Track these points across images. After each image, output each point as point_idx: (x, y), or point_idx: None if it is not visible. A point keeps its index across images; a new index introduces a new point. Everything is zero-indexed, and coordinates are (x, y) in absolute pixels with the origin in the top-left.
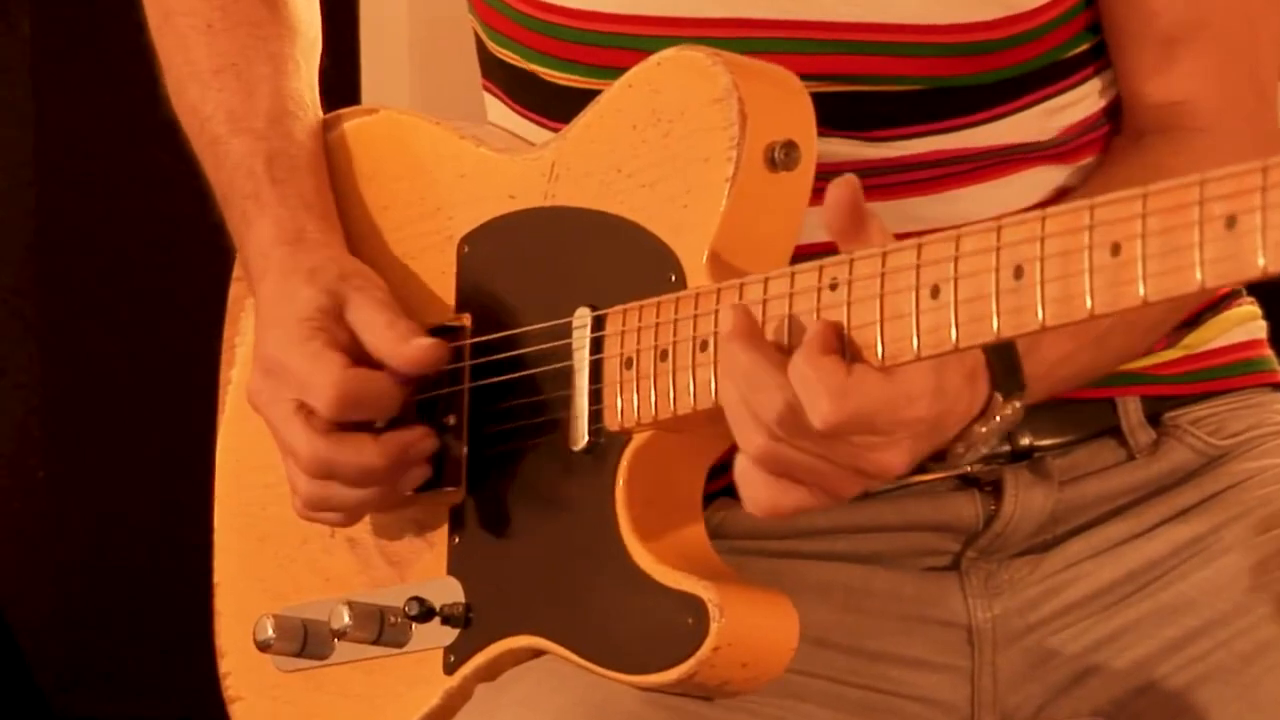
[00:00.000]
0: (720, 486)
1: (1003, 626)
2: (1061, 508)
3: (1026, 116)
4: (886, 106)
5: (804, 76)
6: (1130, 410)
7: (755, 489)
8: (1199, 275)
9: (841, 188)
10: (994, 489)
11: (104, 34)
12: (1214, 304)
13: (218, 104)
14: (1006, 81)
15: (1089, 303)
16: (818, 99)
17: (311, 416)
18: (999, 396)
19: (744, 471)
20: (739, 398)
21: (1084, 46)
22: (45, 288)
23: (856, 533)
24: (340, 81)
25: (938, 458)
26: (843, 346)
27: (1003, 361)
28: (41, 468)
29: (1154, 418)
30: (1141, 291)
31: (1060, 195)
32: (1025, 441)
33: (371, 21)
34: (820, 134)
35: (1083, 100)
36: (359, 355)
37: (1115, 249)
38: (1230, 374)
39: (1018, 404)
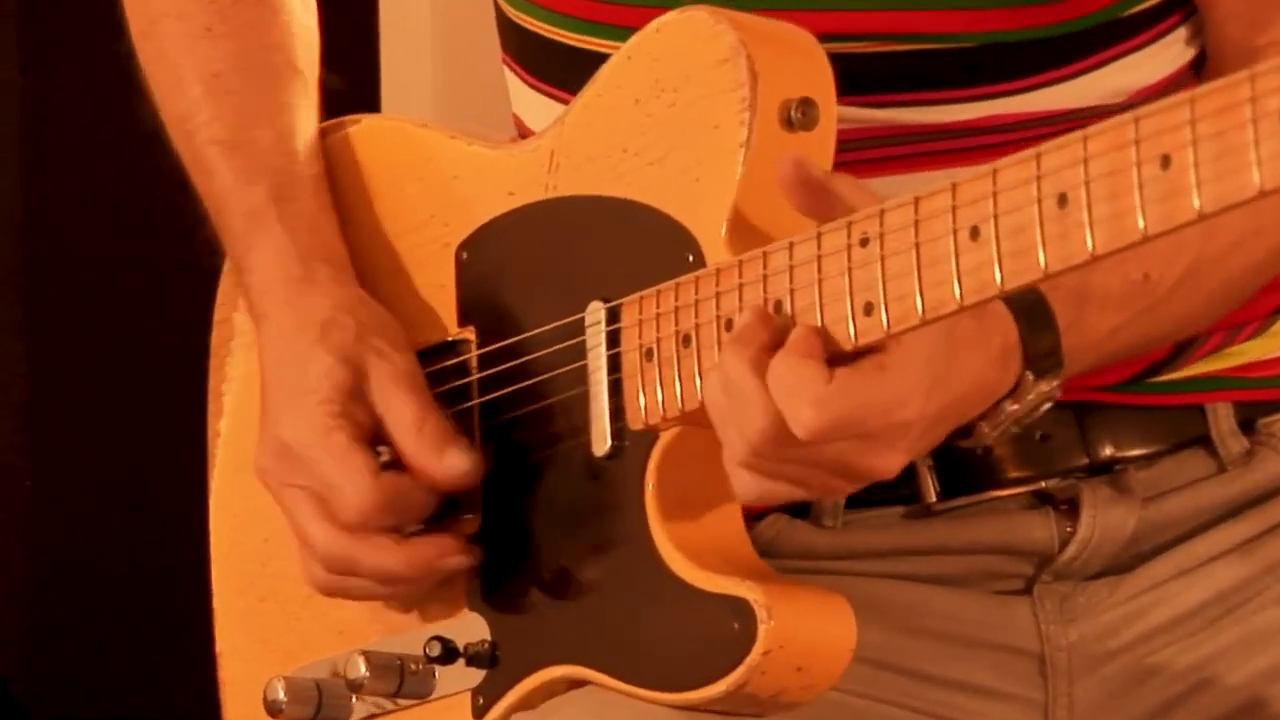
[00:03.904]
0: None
1: (1079, 654)
2: (1145, 526)
3: (1094, 78)
4: (934, 67)
5: (842, 36)
6: (1221, 417)
7: (742, 482)
8: (1256, 176)
9: (782, 167)
10: (1070, 507)
11: (94, 12)
12: None
13: (214, 115)
14: (1070, 36)
15: (1141, 221)
16: (858, 60)
17: (333, 513)
18: (1030, 375)
19: (728, 463)
20: (727, 406)
21: None
22: (33, 284)
23: (919, 555)
24: (359, 86)
25: (963, 435)
26: (824, 350)
27: (1037, 338)
28: (28, 477)
29: (1246, 424)
30: (1196, 203)
31: None
32: (1106, 453)
33: (392, 19)
34: (863, 99)
35: (1159, 57)
36: (380, 439)
37: (1165, 161)
38: None
39: (1055, 382)
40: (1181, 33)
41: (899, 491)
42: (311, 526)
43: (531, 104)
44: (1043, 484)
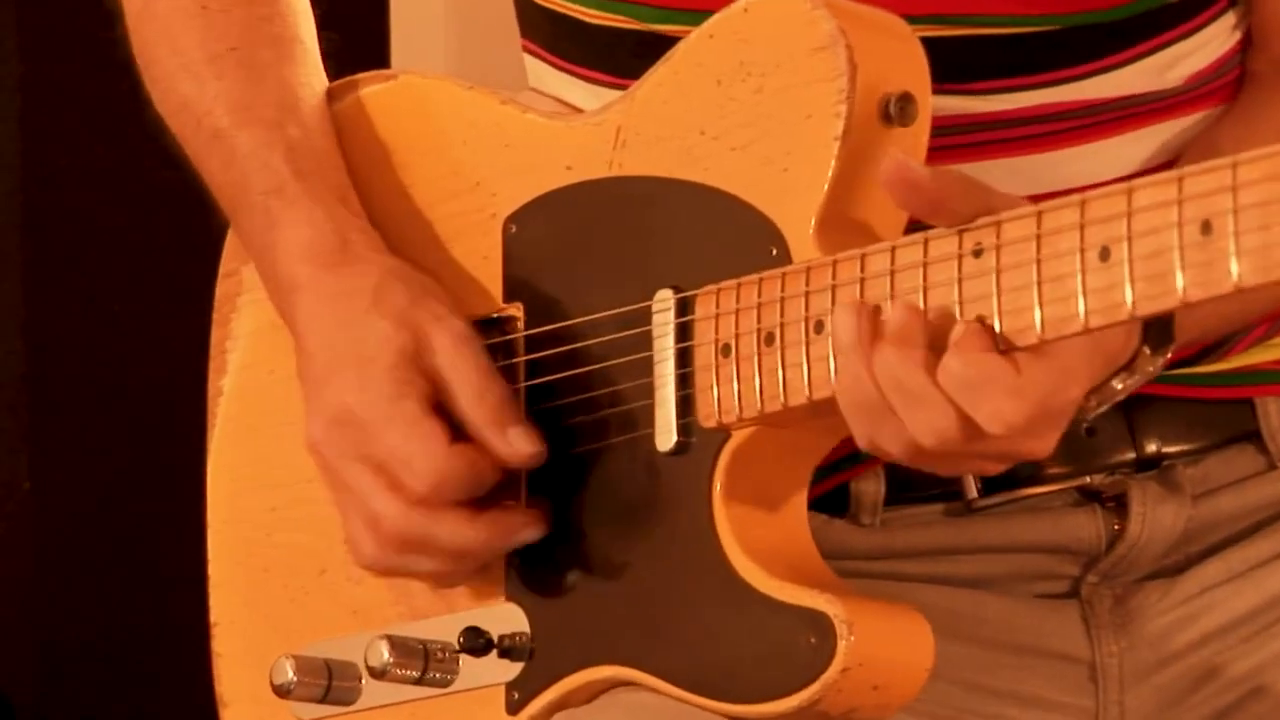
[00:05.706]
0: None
1: (1130, 661)
2: (1194, 525)
3: (1150, 63)
4: (993, 53)
5: (903, 19)
6: (1271, 412)
7: None
8: None
9: (885, 163)
10: (1117, 504)
11: (94, 14)
12: None
13: (218, 94)
14: (1127, 21)
15: None
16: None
17: (402, 485)
18: (1147, 350)
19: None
20: (881, 408)
21: None
22: (34, 281)
23: (963, 554)
24: (369, 48)
25: None
26: (996, 342)
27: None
28: (28, 478)
29: None
30: None
31: (1185, 151)
32: (1152, 448)
33: None
34: None
35: (1213, 41)
36: (441, 405)
37: None
38: None
39: (1160, 360)
40: (1230, 17)
41: (939, 488)
42: (380, 501)
43: (557, 84)
44: (1087, 480)
